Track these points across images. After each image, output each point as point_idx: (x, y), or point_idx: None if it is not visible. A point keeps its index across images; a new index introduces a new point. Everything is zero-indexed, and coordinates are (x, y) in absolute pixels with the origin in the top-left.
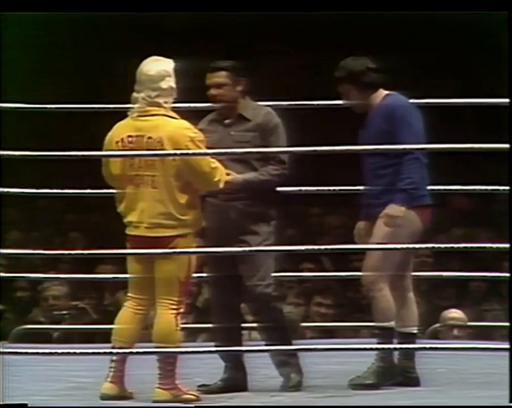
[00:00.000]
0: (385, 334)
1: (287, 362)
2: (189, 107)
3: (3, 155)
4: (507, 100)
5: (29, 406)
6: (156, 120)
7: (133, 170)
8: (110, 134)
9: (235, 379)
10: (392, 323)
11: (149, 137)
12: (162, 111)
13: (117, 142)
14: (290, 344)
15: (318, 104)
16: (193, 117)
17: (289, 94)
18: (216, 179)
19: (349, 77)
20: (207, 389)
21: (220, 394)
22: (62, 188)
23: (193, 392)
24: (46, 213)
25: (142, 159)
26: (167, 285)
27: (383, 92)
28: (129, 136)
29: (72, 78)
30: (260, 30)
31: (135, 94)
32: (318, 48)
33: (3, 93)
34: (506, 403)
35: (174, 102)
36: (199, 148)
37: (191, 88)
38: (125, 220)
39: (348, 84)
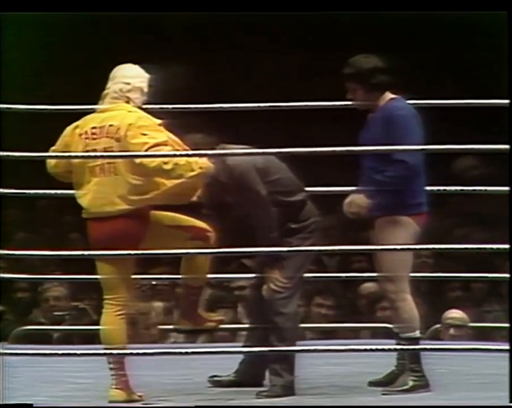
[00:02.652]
0: (412, 344)
1: (278, 372)
2: (182, 107)
3: (2, 156)
4: (507, 101)
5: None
6: (119, 112)
7: (95, 160)
8: (73, 124)
9: (250, 375)
10: (417, 333)
11: (110, 125)
12: (127, 108)
13: (80, 135)
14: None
15: (317, 105)
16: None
17: (288, 95)
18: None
19: (357, 76)
20: (218, 381)
21: (229, 388)
22: (61, 189)
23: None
24: (45, 214)
25: (103, 148)
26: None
27: (388, 95)
28: (93, 127)
29: (72, 78)
30: (260, 30)
31: (106, 91)
32: (318, 48)
33: (3, 93)
34: (506, 404)
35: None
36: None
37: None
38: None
39: (355, 83)
